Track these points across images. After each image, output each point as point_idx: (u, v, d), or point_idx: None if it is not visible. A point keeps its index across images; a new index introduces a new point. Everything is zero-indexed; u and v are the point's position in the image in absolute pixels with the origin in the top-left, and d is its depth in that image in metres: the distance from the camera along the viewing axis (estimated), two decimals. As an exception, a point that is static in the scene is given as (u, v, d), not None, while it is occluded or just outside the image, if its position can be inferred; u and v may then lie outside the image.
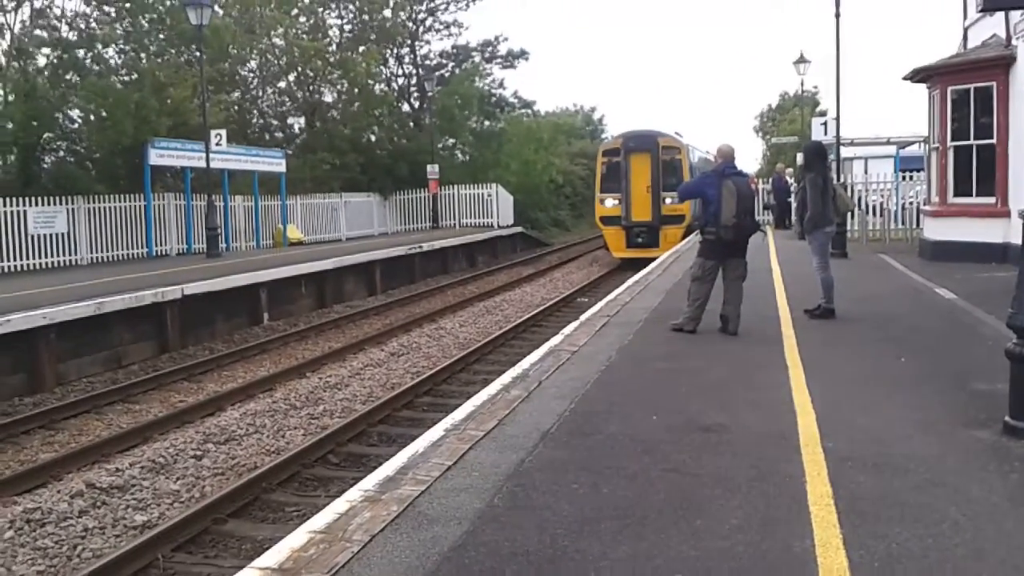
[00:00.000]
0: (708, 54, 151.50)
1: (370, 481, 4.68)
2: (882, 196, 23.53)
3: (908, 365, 7.75)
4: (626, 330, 9.46)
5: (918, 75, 17.21)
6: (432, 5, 42.79)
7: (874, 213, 23.22)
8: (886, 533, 4.04)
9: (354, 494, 4.49)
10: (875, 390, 6.80)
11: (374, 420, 10.05)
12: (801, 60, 30.94)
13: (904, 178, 23.97)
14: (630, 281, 13.73)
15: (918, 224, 20.38)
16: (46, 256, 20.72)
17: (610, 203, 26.42)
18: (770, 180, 29.66)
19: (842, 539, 3.97)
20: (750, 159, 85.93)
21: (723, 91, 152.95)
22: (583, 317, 10.19)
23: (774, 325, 9.67)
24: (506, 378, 7.14)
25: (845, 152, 26.19)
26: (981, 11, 8.51)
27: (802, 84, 32.81)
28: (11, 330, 11.56)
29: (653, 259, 19.09)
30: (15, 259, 19.93)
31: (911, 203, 22.97)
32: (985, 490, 4.59)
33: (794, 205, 25.72)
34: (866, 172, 25.81)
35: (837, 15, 19.45)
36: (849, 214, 18.22)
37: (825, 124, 20.93)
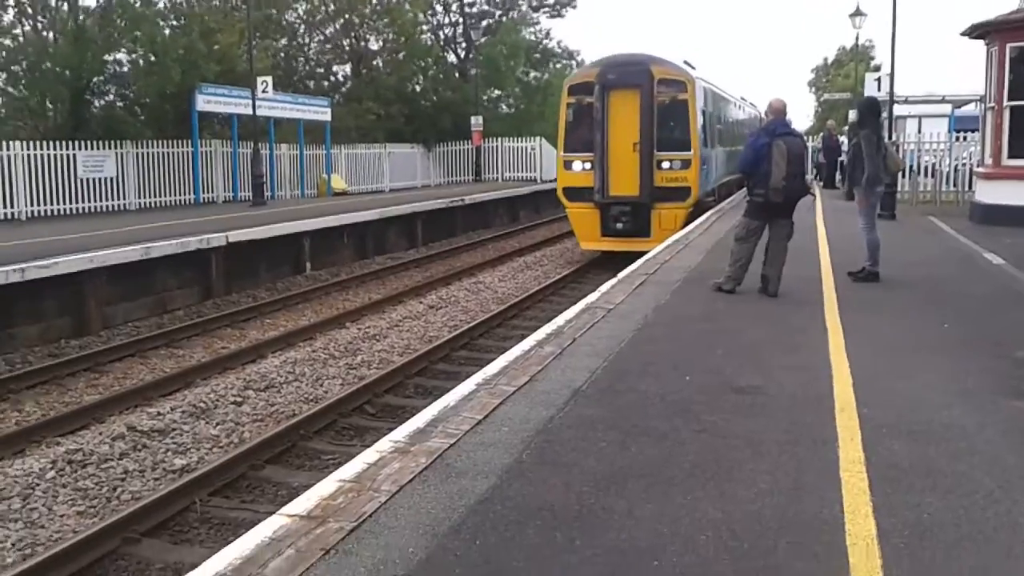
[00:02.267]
0: (764, 4, 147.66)
1: (400, 433, 4.73)
2: (935, 157, 22.92)
3: (951, 331, 7.59)
4: (664, 289, 9.38)
5: (976, 31, 16.61)
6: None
7: (926, 174, 22.64)
8: (918, 502, 3.99)
9: (384, 445, 4.54)
10: (915, 356, 6.68)
11: (411, 372, 10.15)
12: (857, 13, 30.04)
13: (958, 138, 23.29)
14: (671, 239, 13.59)
15: (970, 187, 19.85)
16: (95, 200, 21.09)
17: (578, 167, 17.56)
18: (820, 138, 29.06)
19: (872, 506, 3.93)
20: (801, 116, 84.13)
21: (779, 44, 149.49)
22: (621, 275, 10.13)
23: (816, 287, 9.52)
24: (540, 334, 7.13)
25: (898, 110, 25.43)
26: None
27: (857, 38, 32.00)
28: (58, 273, 11.81)
29: (641, 253, 12.73)
30: (65, 203, 20.31)
31: (964, 164, 22.35)
32: (1023, 461, 4.51)
33: (844, 163, 25.21)
34: (919, 131, 25.12)
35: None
36: (900, 174, 17.81)
37: (879, 80, 20.37)
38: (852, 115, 31.10)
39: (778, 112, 9.14)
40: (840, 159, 26.03)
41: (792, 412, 5.30)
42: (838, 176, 26.21)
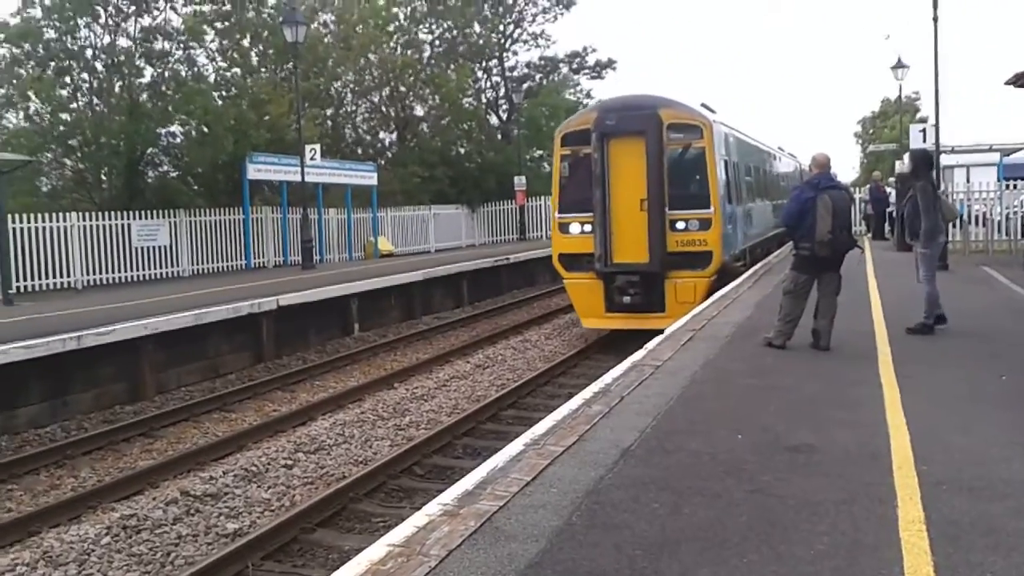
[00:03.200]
0: (806, 61, 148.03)
1: (449, 495, 4.71)
2: (985, 205, 22.57)
3: (1009, 383, 7.39)
4: (712, 344, 9.30)
5: (1020, 79, 16.47)
6: (519, 17, 43.13)
7: (976, 223, 22.28)
8: (980, 561, 3.87)
9: (433, 508, 4.53)
10: (973, 409, 6.51)
11: (459, 432, 10.15)
12: (899, 65, 29.99)
13: (1008, 187, 22.92)
14: (717, 295, 13.49)
15: (1023, 235, 19.47)
16: (149, 268, 21.62)
17: (575, 230, 15.01)
18: (867, 189, 28.82)
19: (933, 566, 3.81)
20: (847, 168, 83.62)
21: (822, 99, 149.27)
22: (668, 331, 10.07)
23: (869, 340, 9.36)
24: (587, 393, 7.10)
25: (946, 160, 25.15)
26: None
27: (900, 90, 31.82)
28: (114, 340, 12.08)
29: (657, 332, 10.61)
30: (120, 271, 20.85)
31: (1016, 212, 21.96)
32: (1093, 519, 4.34)
33: (893, 214, 24.92)
34: (968, 180, 24.79)
35: (935, 19, 18.75)
36: (951, 224, 17.54)
37: (924, 131, 20.17)
38: (899, 166, 30.83)
39: (822, 165, 9.13)
40: (888, 210, 25.76)
41: (848, 470, 5.18)
42: (887, 228, 25.92)
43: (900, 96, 35.08)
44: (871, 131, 66.85)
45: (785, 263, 13.53)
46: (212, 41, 27.46)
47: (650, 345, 9.27)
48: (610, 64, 47.33)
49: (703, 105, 16.35)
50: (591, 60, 46.76)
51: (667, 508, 4.60)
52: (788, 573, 3.82)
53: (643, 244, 14.32)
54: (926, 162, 10.28)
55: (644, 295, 14.50)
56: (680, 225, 14.39)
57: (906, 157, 28.39)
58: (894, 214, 24.19)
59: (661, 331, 10.37)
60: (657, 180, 14.23)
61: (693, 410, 6.69)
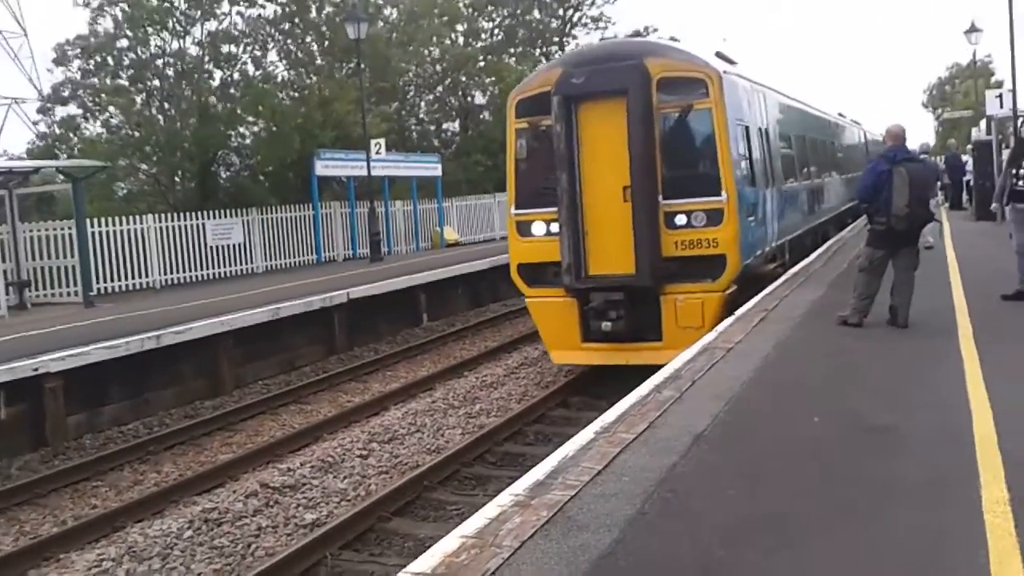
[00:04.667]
0: (872, 27, 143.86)
1: (521, 486, 4.71)
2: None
3: (1104, 357, 7.08)
4: (785, 325, 9.11)
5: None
6: (579, 1, 42.82)
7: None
8: (1075, 546, 3.71)
9: (505, 499, 4.53)
10: (1064, 386, 6.25)
11: (529, 419, 10.16)
12: (972, 29, 28.87)
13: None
14: (789, 273, 13.19)
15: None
16: (224, 266, 22.12)
17: (539, 231, 11.24)
18: (942, 158, 27.92)
19: (1020, 549, 3.67)
20: (920, 135, 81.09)
21: (888, 66, 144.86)
22: (739, 312, 9.88)
23: (948, 315, 9.06)
24: (658, 378, 7.02)
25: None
26: None
27: (974, 55, 30.64)
28: (192, 337, 12.42)
29: (654, 367, 7.77)
30: (196, 270, 21.38)
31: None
32: None
33: (970, 183, 24.06)
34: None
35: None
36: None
37: (1000, 97, 19.41)
38: (975, 133, 29.74)
39: (896, 137, 8.84)
40: (965, 179, 24.91)
41: (929, 451, 5.03)
42: (965, 197, 25.07)
43: (974, 61, 33.86)
44: (939, 98, 64.64)
45: (858, 239, 13.17)
46: (277, 44, 27.91)
47: (721, 327, 9.12)
48: (672, 40, 46.66)
49: (718, 54, 12.53)
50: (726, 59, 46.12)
51: (743, 494, 4.52)
52: (870, 559, 3.72)
53: (628, 248, 10.42)
54: None
55: (631, 319, 10.53)
56: (680, 220, 10.43)
57: (982, 123, 27.43)
58: (971, 183, 23.43)
59: (660, 367, 7.60)
60: (645, 158, 10.27)
61: (767, 393, 6.56)
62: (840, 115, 26.10)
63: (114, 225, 19.63)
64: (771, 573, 3.66)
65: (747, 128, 11.72)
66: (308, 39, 28.65)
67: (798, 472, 4.82)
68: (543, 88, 10.93)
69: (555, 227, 10.88)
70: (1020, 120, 18.78)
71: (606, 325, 10.58)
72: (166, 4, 24.94)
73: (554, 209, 10.79)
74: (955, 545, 3.81)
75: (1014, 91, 19.48)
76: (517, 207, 11.37)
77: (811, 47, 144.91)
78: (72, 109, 26.11)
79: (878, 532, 3.98)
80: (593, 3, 43.09)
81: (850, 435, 5.42)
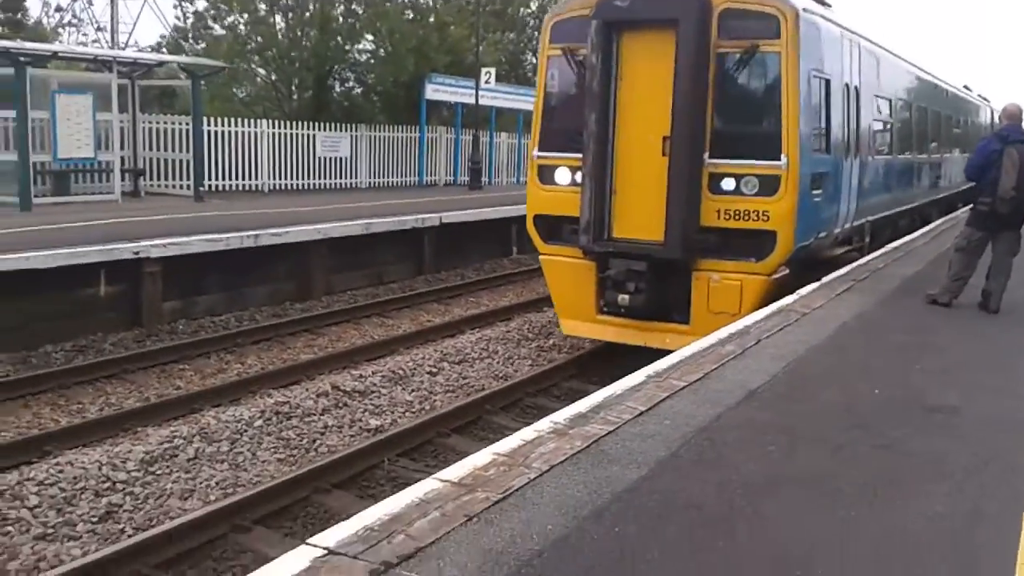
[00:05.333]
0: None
1: (561, 415, 4.82)
2: None
3: None
4: (871, 297, 8.86)
5: None
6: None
7: None
8: (1114, 547, 3.60)
9: (544, 424, 4.65)
10: None
11: (598, 360, 10.22)
12: None
13: None
14: (890, 246, 12.75)
15: None
16: (330, 178, 22.67)
17: (563, 179, 9.83)
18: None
19: (1055, 547, 3.58)
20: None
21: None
22: (825, 279, 9.65)
23: (1047, 306, 8.66)
24: (723, 333, 6.97)
25: None
26: None
27: None
28: (288, 241, 12.87)
29: (668, 352, 6.80)
30: (303, 178, 21.98)
31: None
32: None
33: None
34: None
35: None
36: None
37: None
38: None
39: (1013, 116, 8.38)
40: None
41: (986, 436, 4.90)
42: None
43: None
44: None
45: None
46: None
47: (803, 291, 8.93)
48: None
49: None
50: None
51: (782, 452, 4.52)
52: (898, 531, 3.69)
53: (659, 211, 8.93)
54: None
55: (655, 294, 9.15)
56: (727, 184, 8.91)
57: None
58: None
59: (677, 349, 6.70)
60: (692, 106, 8.72)
61: (833, 360, 6.46)
62: (966, 88, 24.23)
63: (229, 126, 20.28)
64: (791, 528, 3.67)
65: (828, 83, 9.92)
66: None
67: (845, 439, 4.76)
68: (583, 11, 9.33)
69: (575, 175, 9.49)
70: None
71: (623, 298, 9.14)
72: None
73: (575, 154, 9.38)
74: (987, 531, 3.74)
75: None
76: (541, 149, 9.93)
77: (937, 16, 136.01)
78: (203, 4, 26.80)
79: (914, 507, 3.93)
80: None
81: (907, 411, 5.31)
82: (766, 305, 8.38)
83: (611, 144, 9.26)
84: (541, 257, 10.19)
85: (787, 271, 9.21)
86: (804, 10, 9.10)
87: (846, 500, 3.98)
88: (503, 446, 4.32)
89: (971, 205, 8.92)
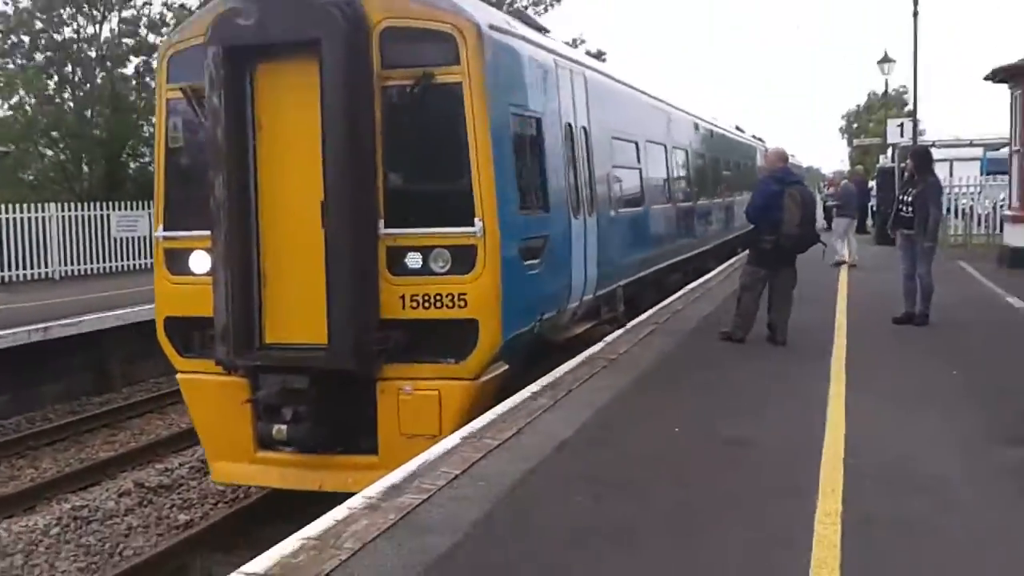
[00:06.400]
0: (794, 56, 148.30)
1: (374, 489, 4.73)
2: (971, 200, 22.68)
3: (959, 379, 7.45)
4: (671, 338, 9.33)
5: (999, 75, 16.51)
6: (511, 10, 42.99)
7: (960, 216, 22.40)
8: (887, 554, 3.92)
9: (356, 501, 4.55)
10: (917, 405, 6.55)
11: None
12: (885, 60, 29.96)
13: (987, 182, 23.04)
14: (687, 288, 13.49)
15: (1001, 229, 19.54)
16: (128, 259, 21.52)
17: (199, 265, 7.10)
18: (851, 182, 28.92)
19: (840, 560, 3.84)
20: (835, 161, 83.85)
21: (812, 93, 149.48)
22: (629, 324, 10.08)
23: (827, 334, 9.40)
24: (536, 386, 7.11)
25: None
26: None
27: (886, 84, 31.75)
28: (82, 331, 12.10)
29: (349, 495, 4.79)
30: (99, 262, 20.76)
31: (1001, 206, 22.05)
32: (1003, 514, 4.40)
33: (873, 208, 24.98)
34: (951, 174, 24.83)
35: (915, 13, 18.83)
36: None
37: (901, 126, 20.24)
38: (882, 160, 30.85)
39: (783, 159, 9.18)
40: (869, 204, 25.83)
41: (779, 464, 5.23)
42: (869, 221, 26.00)
43: (886, 90, 35.09)
44: (856, 125, 66.92)
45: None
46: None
47: (609, 338, 9.27)
48: (600, 55, 47.21)
49: (513, 12, 8.20)
50: (581, 51, 46.65)
51: (589, 501, 4.63)
52: (695, 564, 3.86)
53: (321, 303, 6.70)
54: (929, 158, 10.41)
55: (322, 418, 6.82)
56: (413, 261, 6.84)
57: (889, 151, 28.52)
58: (874, 208, 24.34)
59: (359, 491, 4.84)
60: (351, 158, 6.66)
61: (637, 404, 6.71)
62: (738, 128, 23.83)
63: (15, 212, 18.94)
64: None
65: (538, 122, 7.97)
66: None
67: (648, 480, 4.95)
68: (193, 37, 7.14)
69: (206, 263, 7.02)
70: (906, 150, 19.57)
71: (278, 429, 6.64)
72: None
73: (202, 232, 6.93)
74: (781, 553, 3.96)
75: (915, 120, 20.34)
76: (167, 226, 7.38)
77: (744, 77, 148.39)
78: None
79: (711, 539, 4.12)
80: (526, 10, 43.28)
81: (707, 446, 5.59)
82: (477, 416, 6.31)
83: (254, 215, 6.86)
84: (178, 376, 7.43)
85: (505, 367, 7.12)
86: (492, 27, 7.17)
87: (650, 542, 4.12)
88: (312, 529, 4.18)
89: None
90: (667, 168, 13.72)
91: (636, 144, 11.73)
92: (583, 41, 46.90)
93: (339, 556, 3.88)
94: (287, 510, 6.92)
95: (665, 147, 13.57)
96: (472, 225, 6.70)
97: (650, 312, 11.03)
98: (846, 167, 54.33)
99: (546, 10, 43.36)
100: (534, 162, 7.93)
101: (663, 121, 13.86)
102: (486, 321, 6.75)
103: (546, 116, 8.16)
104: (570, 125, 8.84)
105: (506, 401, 6.67)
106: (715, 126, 19.23)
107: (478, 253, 6.71)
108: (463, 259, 6.72)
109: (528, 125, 7.86)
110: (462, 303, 6.71)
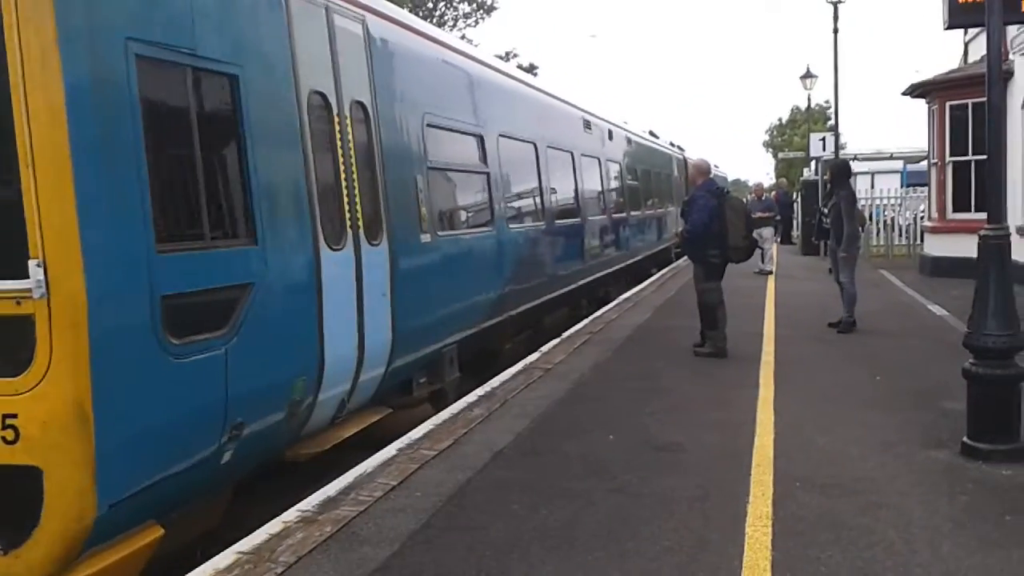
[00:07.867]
0: (721, 69, 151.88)
1: (309, 502, 4.69)
2: (894, 211, 23.47)
3: (883, 383, 7.68)
4: (606, 348, 9.44)
5: (916, 90, 17.14)
6: (439, 23, 43.15)
7: (883, 227, 23.16)
8: (817, 556, 4.01)
9: (291, 515, 4.51)
10: (843, 409, 6.74)
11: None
12: (808, 75, 30.84)
13: (907, 194, 23.89)
14: (621, 297, 13.67)
15: (921, 239, 20.25)
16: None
17: None
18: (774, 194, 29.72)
19: (771, 561, 3.94)
20: (760, 174, 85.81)
21: (735, 106, 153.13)
22: (565, 334, 10.17)
23: (756, 342, 9.62)
24: (472, 396, 7.13)
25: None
26: (947, 28, 8.57)
27: (809, 99, 32.68)
28: None
29: None
30: None
31: (921, 217, 22.85)
32: (929, 512, 4.55)
33: (798, 219, 25.67)
34: (872, 186, 25.67)
35: (835, 30, 19.44)
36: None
37: (823, 139, 20.84)
38: (806, 173, 31.73)
39: (707, 173, 9.33)
40: (791, 216, 26.56)
41: (709, 468, 5.32)
42: (794, 232, 26.72)
43: (809, 105, 36.08)
44: (780, 138, 68.59)
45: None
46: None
47: (544, 348, 9.35)
48: (532, 69, 47.64)
49: None
50: (513, 64, 47.04)
51: (526, 509, 4.66)
52: (629, 569, 3.91)
53: None
54: (846, 172, 10.71)
55: None
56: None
57: (812, 164, 29.35)
58: (797, 219, 25.03)
59: None
60: None
61: (573, 412, 6.78)
62: (651, 134, 21.66)
63: None
64: (537, 584, 3.79)
65: (232, 80, 4.82)
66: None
67: (582, 487, 5.00)
68: None
69: None
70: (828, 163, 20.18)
71: None
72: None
73: None
74: (713, 556, 4.04)
75: (836, 134, 20.95)
76: None
77: (670, 84, 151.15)
78: None
79: (644, 544, 4.19)
80: (455, 24, 43.51)
81: (640, 453, 5.67)
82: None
83: None
84: None
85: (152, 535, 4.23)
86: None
87: (584, 547, 4.17)
88: (246, 543, 4.13)
89: (697, 262, 9.41)
90: (539, 175, 10.77)
91: (479, 138, 8.86)
92: (516, 55, 47.42)
93: (275, 570, 3.85)
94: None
95: (535, 146, 10.73)
96: (18, 275, 3.68)
97: (584, 322, 11.15)
98: (771, 180, 55.74)
99: (476, 23, 43.79)
100: (216, 152, 4.82)
101: (531, 112, 11.03)
102: (58, 471, 3.72)
103: (253, 72, 4.96)
104: (323, 95, 5.73)
105: (443, 411, 6.68)
106: (616, 125, 16.49)
107: (37, 332, 3.69)
108: (4, 346, 3.79)
109: (195, 81, 4.57)
110: (8, 436, 3.71)
